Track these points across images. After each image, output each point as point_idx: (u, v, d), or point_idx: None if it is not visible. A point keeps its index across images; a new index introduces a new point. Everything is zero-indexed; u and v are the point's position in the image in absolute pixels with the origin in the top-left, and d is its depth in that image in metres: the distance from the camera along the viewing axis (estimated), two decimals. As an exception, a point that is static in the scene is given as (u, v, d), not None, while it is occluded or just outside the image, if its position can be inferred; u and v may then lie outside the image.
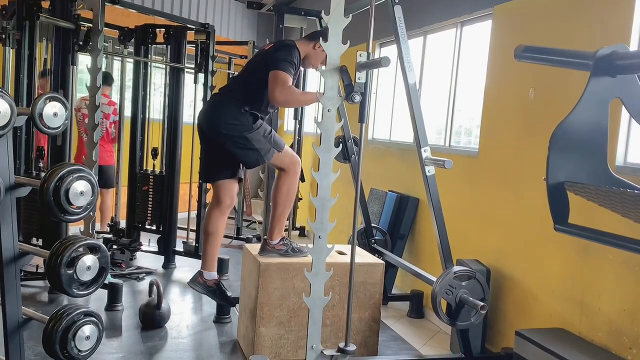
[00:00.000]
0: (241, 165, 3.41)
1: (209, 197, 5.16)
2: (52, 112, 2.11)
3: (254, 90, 3.20)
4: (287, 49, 3.20)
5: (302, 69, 3.58)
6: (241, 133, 3.17)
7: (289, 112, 7.61)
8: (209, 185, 5.16)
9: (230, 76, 6.83)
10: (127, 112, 5.51)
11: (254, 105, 3.21)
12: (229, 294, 3.54)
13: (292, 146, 4.88)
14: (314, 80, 7.39)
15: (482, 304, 3.06)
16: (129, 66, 5.57)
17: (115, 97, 6.09)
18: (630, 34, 2.96)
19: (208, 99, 3.43)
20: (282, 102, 3.16)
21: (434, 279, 3.34)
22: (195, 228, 5.24)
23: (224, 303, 3.56)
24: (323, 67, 3.39)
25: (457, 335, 3.43)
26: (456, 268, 3.21)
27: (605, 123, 1.85)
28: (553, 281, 3.38)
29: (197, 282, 3.44)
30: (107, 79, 5.68)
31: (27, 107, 2.14)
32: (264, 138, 3.22)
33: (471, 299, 3.11)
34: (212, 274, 3.45)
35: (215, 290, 3.45)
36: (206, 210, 3.51)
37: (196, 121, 3.59)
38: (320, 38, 3.26)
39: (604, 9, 3.14)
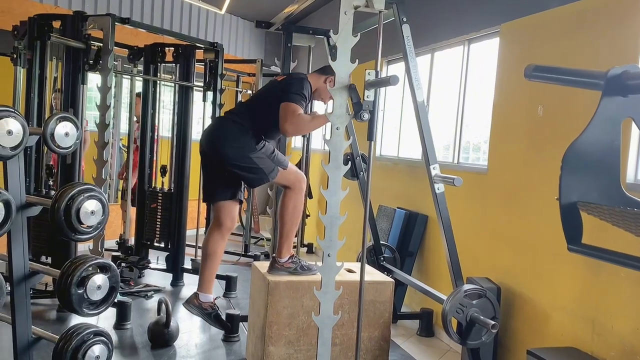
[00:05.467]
0: (242, 186, 3.41)
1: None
2: (64, 132, 2.13)
3: (262, 118, 3.21)
4: (299, 82, 3.21)
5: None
6: (245, 154, 3.17)
7: (296, 129, 7.63)
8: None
9: (239, 94, 6.87)
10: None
11: (261, 131, 3.22)
12: (224, 317, 3.51)
13: (299, 163, 4.88)
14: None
15: (493, 322, 3.03)
16: (139, 84, 5.61)
17: (124, 115, 6.12)
18: (639, 53, 2.96)
19: (213, 119, 3.43)
20: (292, 132, 3.16)
21: (444, 297, 3.31)
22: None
23: (218, 327, 3.53)
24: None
25: (467, 354, 3.39)
26: (466, 286, 3.19)
27: (618, 143, 1.84)
28: (564, 299, 3.35)
29: (193, 304, 3.40)
30: None
31: (38, 127, 2.16)
32: (267, 157, 3.22)
33: (482, 317, 3.09)
34: (209, 297, 3.41)
35: (210, 314, 3.41)
36: (207, 232, 3.49)
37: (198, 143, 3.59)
38: (332, 76, 3.29)
39: (612, 28, 3.15)
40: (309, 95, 3.22)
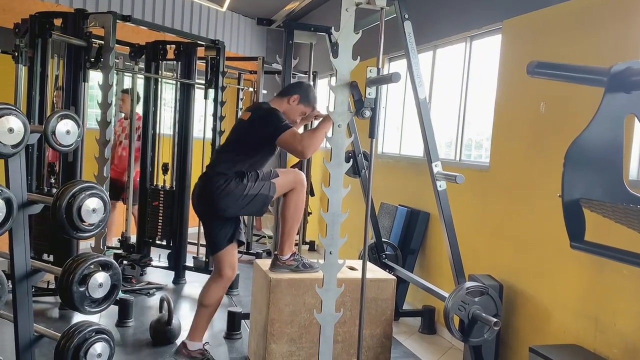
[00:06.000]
0: (241, 225, 3.39)
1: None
2: (65, 129, 2.13)
3: (243, 160, 3.19)
4: (271, 113, 3.19)
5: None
6: (239, 196, 3.15)
7: (298, 127, 7.64)
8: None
9: (241, 91, 6.86)
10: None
11: (245, 171, 3.19)
12: None
13: (301, 161, 4.88)
14: (322, 96, 7.41)
15: (495, 320, 3.03)
16: (140, 82, 5.61)
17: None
18: (642, 48, 2.95)
19: (199, 177, 3.38)
20: (309, 151, 3.07)
21: (446, 294, 3.31)
22: (205, 243, 5.23)
23: None
24: (301, 126, 3.45)
25: (469, 351, 3.39)
26: (468, 284, 3.18)
27: (621, 139, 1.83)
28: (567, 297, 3.34)
29: (181, 355, 3.36)
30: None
31: (40, 125, 2.16)
32: (259, 181, 3.20)
33: (484, 315, 3.08)
34: (197, 345, 3.35)
35: None
36: (207, 282, 3.43)
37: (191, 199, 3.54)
38: (293, 94, 3.31)
39: (615, 24, 3.13)
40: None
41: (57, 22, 4.29)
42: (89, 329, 2.10)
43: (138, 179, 5.46)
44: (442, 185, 3.30)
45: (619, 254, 1.90)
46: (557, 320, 3.40)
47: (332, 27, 3.14)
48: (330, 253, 2.50)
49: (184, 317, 4.37)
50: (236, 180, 3.16)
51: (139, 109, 5.55)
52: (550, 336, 3.42)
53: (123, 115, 5.89)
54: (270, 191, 3.22)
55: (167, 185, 5.37)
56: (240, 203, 3.18)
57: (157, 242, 5.38)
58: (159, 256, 5.56)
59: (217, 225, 3.30)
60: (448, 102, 4.98)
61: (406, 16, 3.41)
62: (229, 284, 3.45)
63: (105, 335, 2.14)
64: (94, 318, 2.79)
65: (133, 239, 5.57)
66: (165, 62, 5.38)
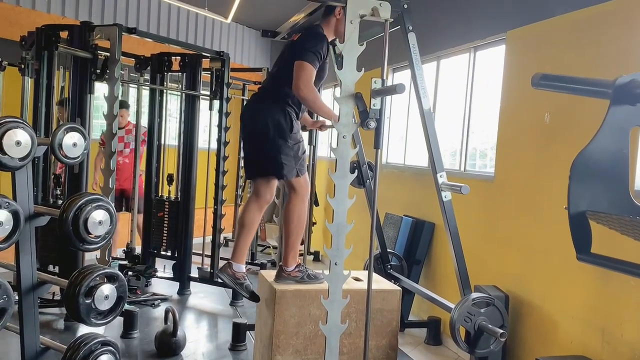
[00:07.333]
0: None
1: (224, 223, 5.17)
2: (72, 142, 2.14)
3: (285, 85, 3.12)
4: (315, 39, 3.11)
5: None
6: (277, 137, 3.12)
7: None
8: (224, 211, 5.18)
9: (245, 102, 6.88)
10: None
11: (290, 100, 3.16)
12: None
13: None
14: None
15: (501, 331, 3.02)
16: (145, 93, 5.65)
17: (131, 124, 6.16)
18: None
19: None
20: (302, 97, 3.04)
21: (451, 305, 3.30)
22: (210, 253, 5.24)
23: (248, 297, 3.49)
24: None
25: (476, 363, 3.38)
26: (474, 295, 3.18)
27: (626, 151, 1.83)
28: (573, 307, 3.33)
29: (226, 273, 3.38)
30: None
31: (46, 138, 2.17)
32: (293, 158, 3.18)
33: (490, 326, 3.07)
34: (241, 267, 3.40)
35: (242, 284, 3.39)
36: (245, 203, 3.45)
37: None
38: (334, 9, 3.20)
39: (620, 35, 3.14)
40: (325, 54, 3.12)
41: (63, 34, 4.33)
42: (94, 341, 2.10)
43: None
44: (447, 195, 3.30)
45: (625, 266, 1.89)
46: (564, 331, 3.38)
47: (337, 39, 3.16)
48: (336, 264, 2.49)
49: (189, 328, 4.37)
50: (288, 121, 3.13)
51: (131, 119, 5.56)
52: (557, 347, 3.40)
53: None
54: (289, 173, 3.17)
55: (172, 196, 5.38)
56: (272, 143, 3.12)
57: (162, 252, 5.38)
58: (163, 267, 5.56)
59: (258, 157, 3.28)
60: (452, 112, 4.99)
61: (410, 28, 3.42)
62: (266, 207, 3.44)
63: (111, 347, 2.14)
64: (98, 329, 2.80)
65: (138, 249, 5.57)
66: (170, 73, 5.41)
